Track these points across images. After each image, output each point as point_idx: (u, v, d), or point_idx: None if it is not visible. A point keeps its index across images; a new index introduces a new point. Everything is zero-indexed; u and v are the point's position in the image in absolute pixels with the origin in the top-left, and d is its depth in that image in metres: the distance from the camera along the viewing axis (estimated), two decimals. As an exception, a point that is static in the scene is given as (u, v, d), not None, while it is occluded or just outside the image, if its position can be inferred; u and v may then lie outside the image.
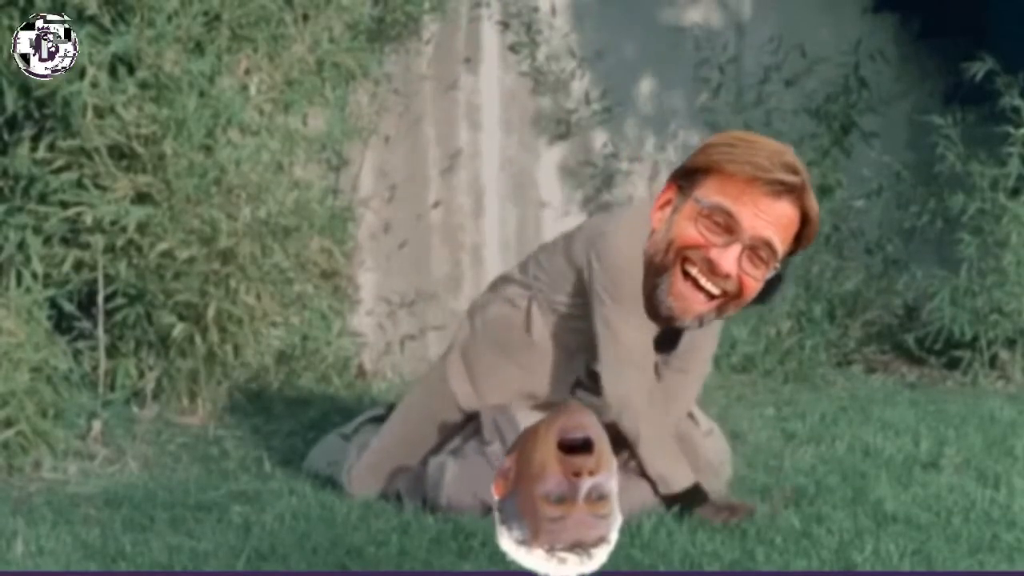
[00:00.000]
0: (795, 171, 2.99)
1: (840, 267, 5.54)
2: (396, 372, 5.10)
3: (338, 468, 3.39)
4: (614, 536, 1.73)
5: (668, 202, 3.06)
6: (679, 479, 3.11)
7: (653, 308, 3.09)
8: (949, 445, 3.82)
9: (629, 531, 2.90)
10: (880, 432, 4.00)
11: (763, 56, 5.70)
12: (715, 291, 3.03)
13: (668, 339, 3.19)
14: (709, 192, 2.99)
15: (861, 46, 5.59)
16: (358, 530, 2.95)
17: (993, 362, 5.19)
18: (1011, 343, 5.17)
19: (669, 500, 3.10)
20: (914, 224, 5.63)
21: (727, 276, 3.00)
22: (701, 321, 3.11)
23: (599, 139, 5.72)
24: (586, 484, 1.69)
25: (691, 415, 3.42)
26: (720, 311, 3.08)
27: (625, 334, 3.09)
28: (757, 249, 2.99)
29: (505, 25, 5.54)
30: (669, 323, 3.12)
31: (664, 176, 5.81)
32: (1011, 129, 5.19)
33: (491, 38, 5.52)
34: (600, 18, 5.70)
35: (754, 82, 5.72)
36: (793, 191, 2.99)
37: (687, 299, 3.05)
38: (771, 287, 3.07)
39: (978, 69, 5.17)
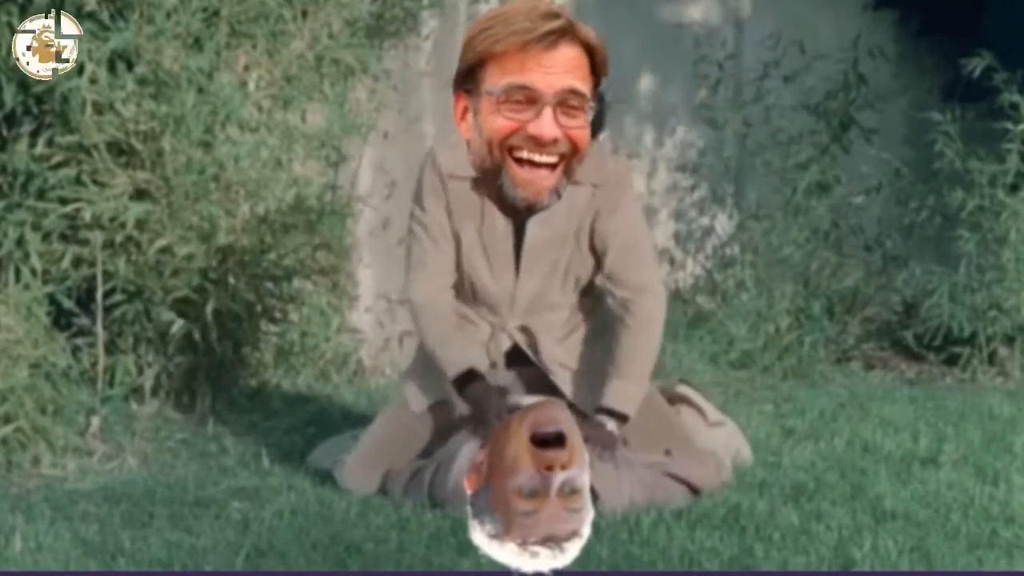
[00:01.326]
0: (556, 15, 3.04)
1: (839, 264, 5.54)
2: (395, 368, 5.09)
3: (335, 463, 3.40)
4: (586, 530, 1.73)
5: (465, 110, 3.12)
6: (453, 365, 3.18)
7: (508, 206, 3.15)
8: (948, 441, 3.83)
9: (628, 527, 2.90)
10: (879, 428, 4.00)
11: (762, 53, 5.70)
12: (552, 160, 3.08)
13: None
14: (494, 79, 3.04)
15: (860, 43, 5.59)
16: (357, 526, 2.95)
17: (992, 359, 5.19)
18: (1010, 340, 5.18)
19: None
20: (913, 221, 5.63)
21: (555, 140, 3.05)
22: (558, 193, 3.14)
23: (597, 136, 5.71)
24: (558, 478, 1.69)
25: (699, 407, 3.44)
26: (568, 174, 3.12)
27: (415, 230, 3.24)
28: (566, 101, 3.04)
29: (504, 21, 5.53)
30: (531, 211, 3.17)
31: (663, 173, 5.83)
32: (1010, 125, 5.19)
33: (490, 34, 5.51)
34: (600, 15, 5.69)
35: (753, 78, 5.72)
36: (564, 33, 3.04)
37: (532, 181, 3.10)
38: (597, 123, 3.12)
39: (977, 66, 5.17)
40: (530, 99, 3.02)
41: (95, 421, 3.83)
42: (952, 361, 5.24)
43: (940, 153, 5.33)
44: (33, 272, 3.85)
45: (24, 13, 3.88)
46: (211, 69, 4.23)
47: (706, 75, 5.80)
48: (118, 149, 4.14)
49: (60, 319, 4.08)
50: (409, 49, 5.29)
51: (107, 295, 4.17)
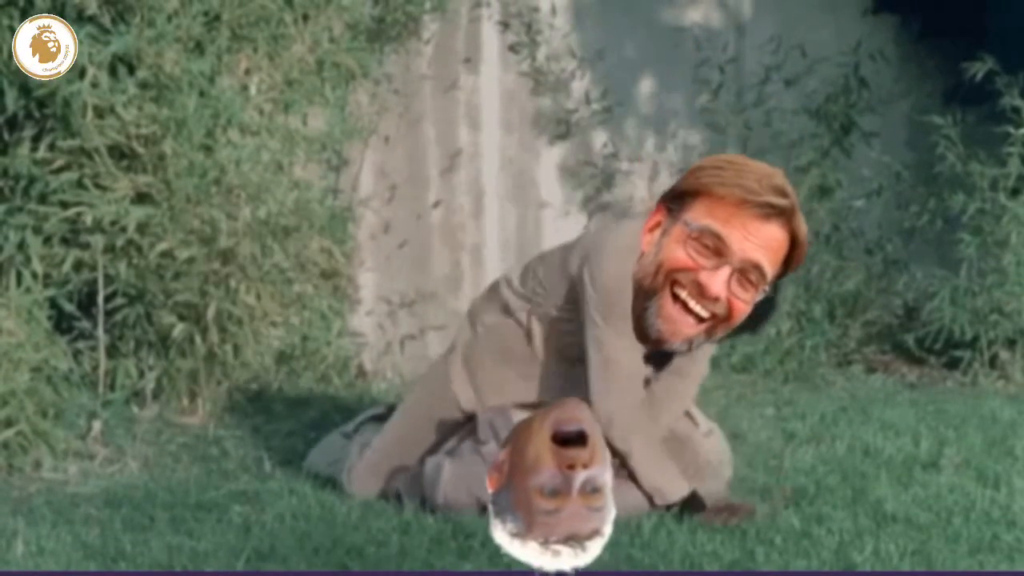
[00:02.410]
0: (784, 194, 3.01)
1: (840, 267, 5.54)
2: (396, 372, 5.10)
3: (339, 467, 3.40)
4: (608, 529, 1.73)
5: (657, 224, 3.07)
6: (674, 490, 3.11)
7: (642, 330, 3.10)
8: (949, 445, 3.82)
9: (629, 531, 2.90)
10: (880, 432, 4.00)
11: (763, 56, 5.70)
12: (704, 314, 3.04)
13: (661, 357, 3.20)
14: (698, 215, 3.00)
15: (861, 46, 5.59)
16: (358, 530, 2.95)
17: (993, 362, 5.19)
18: (1011, 343, 5.17)
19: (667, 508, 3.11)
20: (914, 224, 5.63)
21: (716, 299, 3.01)
22: (691, 345, 3.11)
23: (599, 139, 5.72)
24: (580, 477, 1.69)
25: (690, 416, 3.42)
26: (709, 334, 3.09)
27: (615, 354, 3.10)
28: (747, 272, 3.00)
29: (505, 25, 5.54)
30: (658, 346, 3.13)
31: (664, 176, 5.83)
32: (1011, 129, 5.18)
33: (491, 38, 5.52)
34: (600, 18, 5.70)
35: (754, 82, 5.72)
36: (783, 214, 3.01)
37: (676, 322, 3.06)
38: (761, 311, 3.09)
39: (978, 69, 5.17)
40: (718, 251, 2.99)
41: (96, 425, 3.83)
42: (953, 365, 5.24)
43: (941, 156, 5.33)
44: (34, 276, 3.85)
45: (25, 16, 3.89)
46: (212, 73, 4.23)
47: (707, 79, 5.79)
48: (119, 153, 4.14)
49: (61, 323, 4.08)
50: (410, 53, 5.29)
51: (108, 299, 4.18)
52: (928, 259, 5.62)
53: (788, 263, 3.07)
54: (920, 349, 5.32)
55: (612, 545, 2.77)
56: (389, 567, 2.72)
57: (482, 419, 3.18)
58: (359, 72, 4.79)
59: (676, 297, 3.04)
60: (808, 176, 5.46)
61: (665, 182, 5.91)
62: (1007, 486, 3.37)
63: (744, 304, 3.03)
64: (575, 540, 1.71)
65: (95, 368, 4.16)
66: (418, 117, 5.35)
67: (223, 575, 2.69)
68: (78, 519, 3.05)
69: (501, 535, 1.72)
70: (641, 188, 5.75)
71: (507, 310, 3.25)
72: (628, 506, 3.02)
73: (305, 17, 4.55)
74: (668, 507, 3.10)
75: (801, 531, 2.94)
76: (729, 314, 3.04)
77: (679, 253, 3.02)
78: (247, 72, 4.40)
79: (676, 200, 3.05)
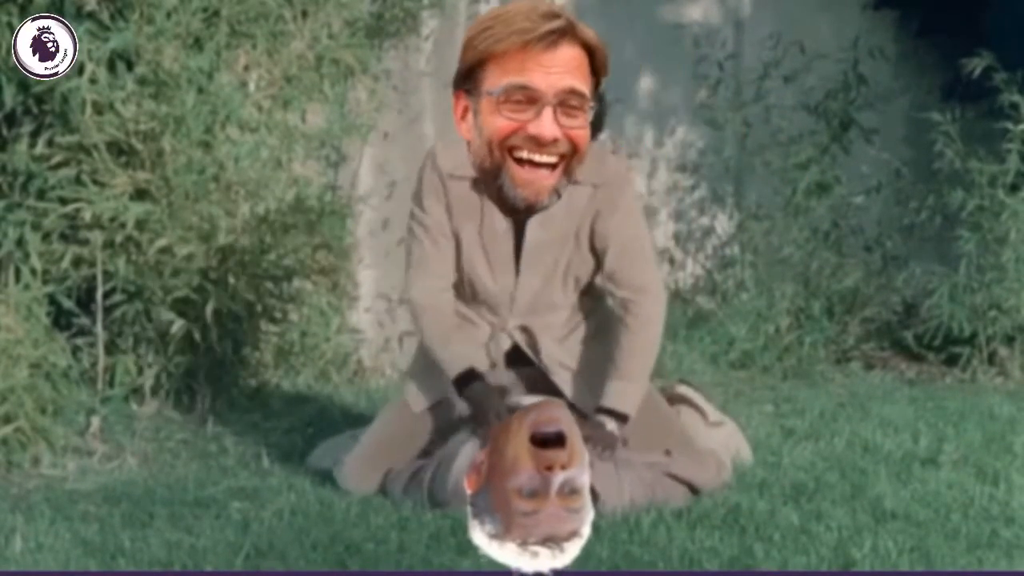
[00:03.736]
0: (556, 15, 3.04)
1: (839, 264, 5.54)
2: (395, 369, 5.10)
3: (334, 464, 3.40)
4: (586, 530, 1.73)
5: (465, 110, 3.11)
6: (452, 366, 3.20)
7: (508, 205, 3.15)
8: (948, 442, 3.83)
9: (628, 527, 2.90)
10: (879, 429, 4.00)
11: (762, 53, 5.70)
12: (552, 160, 3.08)
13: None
14: (494, 79, 3.03)
15: (860, 43, 5.59)
16: (357, 526, 2.95)
17: (992, 359, 5.19)
18: (1010, 340, 5.18)
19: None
20: (913, 221, 5.63)
21: (555, 140, 3.04)
22: (558, 193, 3.14)
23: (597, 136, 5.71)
24: (558, 478, 1.69)
25: (699, 407, 3.44)
26: (568, 173, 3.12)
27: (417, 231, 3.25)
28: (566, 101, 3.03)
29: (504, 21, 5.53)
30: (531, 211, 3.17)
31: (663, 171, 5.84)
32: (1010, 125, 5.18)
33: (490, 35, 5.51)
34: (599, 15, 5.69)
35: (753, 79, 5.72)
36: (565, 33, 3.04)
37: (532, 182, 3.10)
38: (597, 123, 3.12)
39: (977, 66, 5.17)
40: (530, 99, 3.01)
41: (95, 421, 3.83)
42: (952, 361, 5.24)
43: (940, 153, 5.33)
44: (33, 272, 3.85)
45: (24, 13, 3.89)
46: (211, 69, 4.23)
47: (706, 75, 5.79)
48: (118, 149, 4.14)
49: (60, 319, 4.08)
50: (409, 49, 5.28)
51: (107, 295, 4.18)
52: (927, 256, 5.62)
53: (596, 72, 3.09)
54: (919, 346, 5.32)
55: (611, 542, 2.79)
56: (388, 563, 2.72)
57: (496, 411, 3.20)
58: (358, 68, 4.79)
59: (519, 161, 3.08)
60: (807, 173, 5.46)
61: (664, 178, 5.91)
62: (1006, 482, 3.37)
63: (581, 130, 3.07)
64: (553, 541, 1.71)
65: (94, 364, 4.16)
66: (417, 113, 5.35)
67: (222, 573, 2.69)
68: (77, 515, 3.05)
69: (480, 536, 1.72)
70: (640, 184, 5.75)
71: None
72: (664, 499, 3.05)
73: (304, 13, 4.55)
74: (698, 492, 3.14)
75: (800, 527, 2.94)
76: (574, 147, 3.08)
77: (499, 122, 3.05)
78: (246, 68, 4.39)
79: (467, 79, 3.09)
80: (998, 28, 5.60)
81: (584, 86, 3.03)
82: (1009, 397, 4.69)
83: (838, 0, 6.06)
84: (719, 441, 3.47)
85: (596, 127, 3.11)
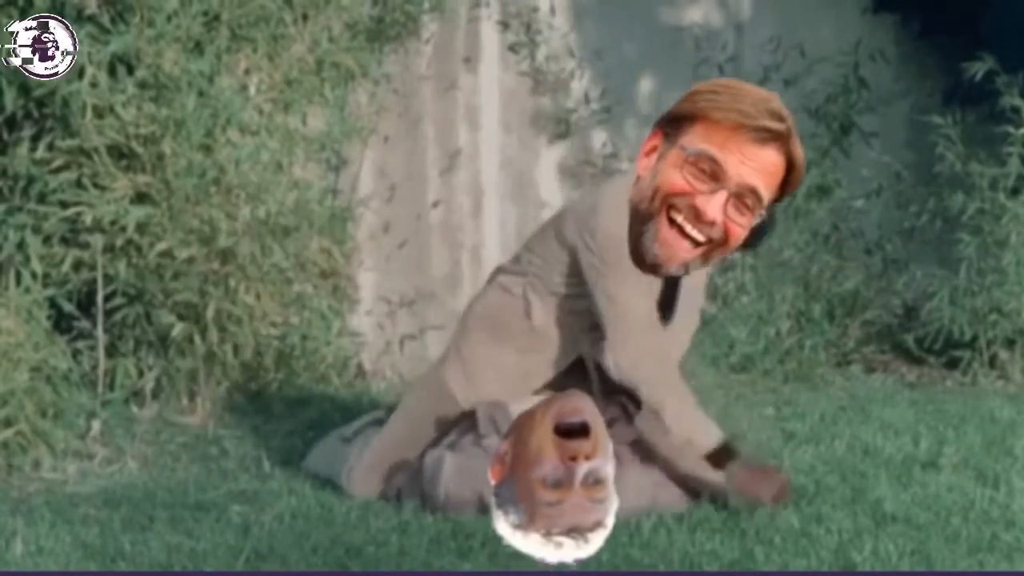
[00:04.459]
0: (781, 118, 3.01)
1: (840, 267, 5.54)
2: (395, 372, 5.10)
3: (337, 469, 3.40)
4: (611, 521, 1.73)
5: (654, 149, 3.08)
6: (707, 438, 3.14)
7: (639, 256, 3.12)
8: (948, 445, 3.82)
9: (628, 530, 2.90)
10: (879, 432, 4.00)
11: (763, 56, 5.70)
12: (700, 238, 3.05)
13: (666, 304, 3.21)
14: (694, 139, 3.01)
15: (861, 46, 5.59)
16: (357, 530, 2.95)
17: (992, 362, 5.19)
18: (1010, 343, 5.17)
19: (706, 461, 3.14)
20: (914, 224, 5.63)
21: (712, 223, 3.01)
22: (687, 268, 3.12)
23: (599, 139, 5.72)
24: (582, 468, 1.69)
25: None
26: (705, 258, 3.10)
27: (628, 301, 3.13)
28: (743, 196, 3.00)
29: (505, 25, 5.54)
30: (655, 271, 3.14)
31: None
32: (1011, 129, 5.18)
33: (491, 38, 5.52)
34: (600, 18, 5.69)
35: (754, 82, 5.69)
36: (779, 138, 3.01)
37: (672, 246, 3.07)
38: (757, 234, 3.09)
39: (978, 69, 5.16)
40: (714, 175, 2.99)
41: (96, 424, 3.83)
42: (952, 364, 5.24)
43: (941, 156, 5.33)
44: (34, 275, 3.85)
45: (25, 16, 3.88)
46: (212, 73, 4.23)
47: (707, 78, 5.78)
48: (119, 153, 4.14)
49: (61, 322, 4.08)
50: (409, 53, 5.28)
51: (108, 298, 4.17)
52: (928, 259, 5.62)
53: (784, 187, 3.07)
54: (919, 349, 5.32)
55: (612, 545, 2.78)
56: (388, 567, 2.72)
57: (482, 413, 3.19)
58: (358, 72, 4.79)
59: (672, 221, 3.05)
60: (807, 176, 5.45)
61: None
62: (1006, 485, 3.37)
63: (740, 228, 3.04)
64: (577, 532, 1.71)
65: (94, 368, 4.15)
66: (417, 117, 5.35)
67: (223, 575, 2.69)
68: (77, 519, 3.05)
69: (503, 527, 1.72)
70: (641, 188, 5.75)
71: (503, 289, 3.28)
72: (666, 503, 3.05)
73: (304, 17, 4.55)
74: (700, 496, 3.12)
75: (800, 530, 2.94)
76: (725, 238, 3.05)
77: (675, 177, 3.02)
78: (246, 72, 4.39)
79: (672, 124, 3.06)
80: (999, 31, 5.60)
81: (767, 193, 3.02)
82: (1009, 400, 4.68)
83: (839, 3, 6.06)
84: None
85: (755, 235, 3.09)
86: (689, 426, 3.14)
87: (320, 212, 4.48)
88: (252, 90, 4.38)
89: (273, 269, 4.31)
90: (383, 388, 4.78)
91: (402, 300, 5.33)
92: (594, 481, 1.70)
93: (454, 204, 5.45)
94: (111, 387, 4.15)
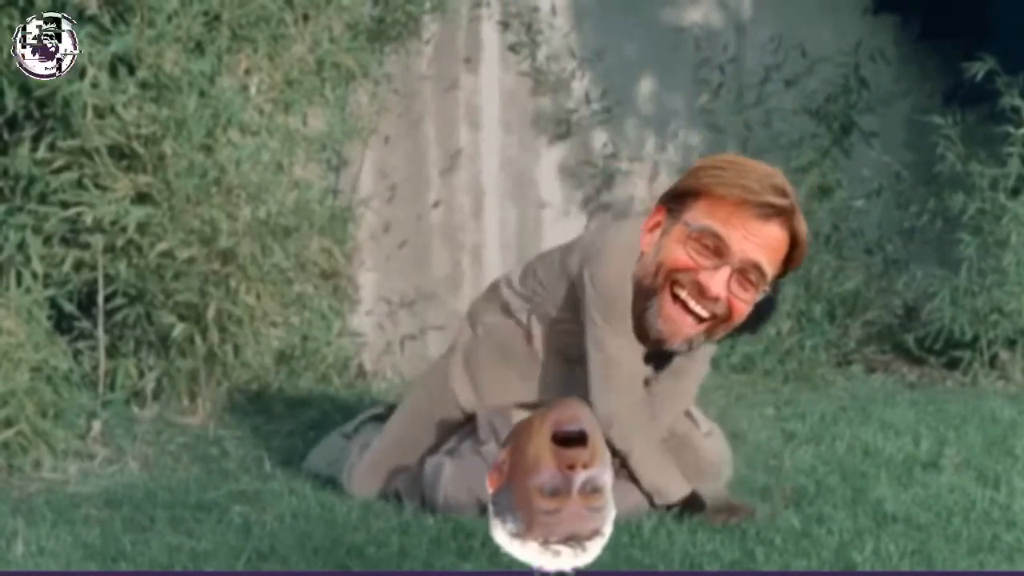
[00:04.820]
0: (784, 194, 3.01)
1: (840, 267, 5.54)
2: (396, 372, 5.10)
3: (338, 468, 3.40)
4: (608, 529, 1.73)
5: (657, 224, 3.07)
6: (674, 490, 3.12)
7: (642, 330, 3.10)
8: (949, 445, 3.82)
9: (629, 531, 2.90)
10: (880, 432, 4.00)
11: (763, 56, 5.70)
12: (704, 314, 3.04)
13: (661, 357, 3.20)
14: (698, 215, 3.00)
15: (861, 46, 5.59)
16: (358, 530, 2.95)
17: (993, 362, 5.19)
18: (1011, 343, 5.17)
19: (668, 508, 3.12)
20: (914, 224, 5.63)
21: (716, 299, 3.01)
22: (691, 345, 3.11)
23: (599, 139, 5.72)
24: (580, 477, 1.69)
25: (691, 416, 3.42)
26: (709, 334, 3.09)
27: (615, 353, 3.10)
28: (747, 272, 3.00)
29: (505, 25, 5.54)
30: (659, 346, 3.13)
31: (664, 176, 5.83)
32: (1011, 129, 5.18)
33: (491, 38, 5.52)
34: (600, 18, 5.70)
35: (754, 82, 5.72)
36: (782, 214, 3.01)
37: (676, 322, 3.06)
38: (761, 311, 3.09)
39: (978, 69, 5.17)
40: (718, 251, 2.99)
41: (96, 425, 3.83)
42: (953, 365, 5.24)
43: (941, 156, 5.33)
44: (34, 276, 3.85)
45: (25, 16, 3.89)
46: (212, 73, 4.23)
47: (707, 79, 5.80)
48: (119, 153, 4.14)
49: (61, 323, 4.08)
50: (410, 53, 5.29)
51: (108, 299, 4.18)
52: (928, 259, 5.62)
53: (788, 263, 3.07)
54: (920, 349, 5.32)
55: (612, 545, 2.77)
56: (389, 567, 2.72)
57: (482, 419, 3.19)
58: (359, 72, 4.79)
59: (676, 297, 3.04)
60: (808, 176, 5.46)
61: (665, 182, 5.90)
62: (1007, 486, 3.37)
63: (744, 304, 3.03)
64: (575, 540, 1.71)
65: (95, 368, 4.16)
66: (418, 117, 5.35)
67: (223, 575, 2.69)
68: (78, 519, 3.05)
69: (501, 535, 1.72)
70: (641, 188, 5.75)
71: (507, 310, 3.25)
72: (629, 506, 3.02)
73: (305, 17, 4.55)
74: (668, 507, 3.10)
75: (801, 531, 2.94)
76: (729, 314, 3.04)
77: (679, 253, 3.02)
78: (247, 72, 4.39)
79: (676, 200, 3.05)
80: (999, 31, 5.60)
81: (770, 268, 3.02)
82: (1010, 400, 4.69)
83: (839, 3, 6.06)
84: (716, 451, 3.46)
85: (759, 312, 3.08)
86: (656, 477, 3.13)
87: (321, 212, 4.48)
88: (253, 90, 4.38)
89: (274, 269, 4.31)
90: (384, 388, 4.78)
91: (403, 300, 5.34)
92: (592, 489, 1.70)
93: (455, 204, 5.46)
94: (112, 387, 4.15)
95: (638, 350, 3.13)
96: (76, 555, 2.78)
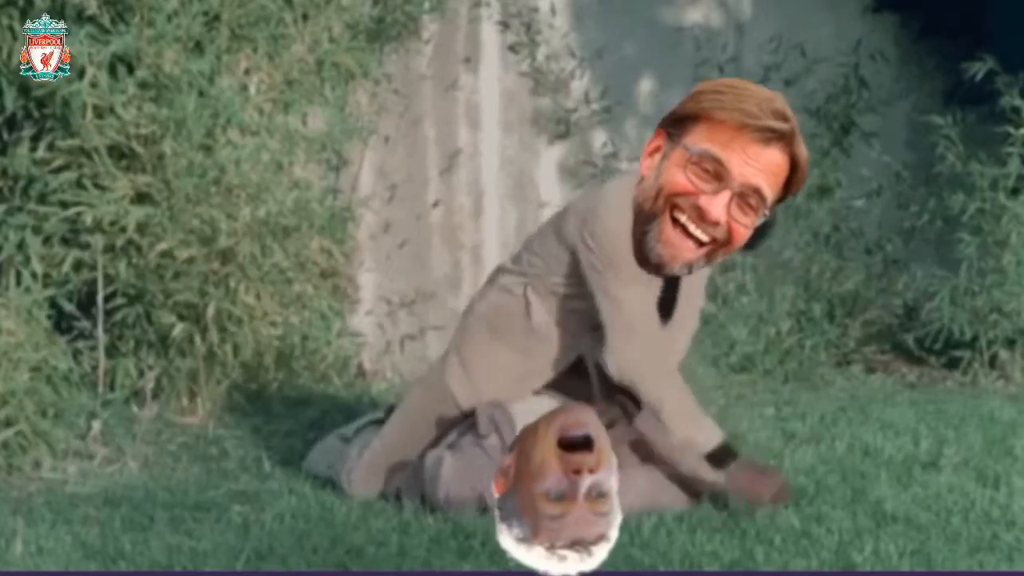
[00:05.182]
0: (785, 118, 2.99)
1: (840, 267, 5.54)
2: (396, 372, 5.10)
3: (337, 470, 3.40)
4: (614, 534, 1.73)
5: (657, 149, 3.06)
6: (707, 438, 3.12)
7: (642, 255, 3.10)
8: (949, 445, 3.82)
9: (628, 531, 2.90)
10: (880, 432, 4.00)
11: (763, 56, 5.70)
12: (704, 238, 3.04)
13: (666, 305, 3.19)
14: (698, 139, 2.99)
15: (861, 46, 5.59)
16: (358, 530, 2.95)
17: (993, 362, 5.19)
18: (1011, 343, 5.17)
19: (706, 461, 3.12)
20: (914, 224, 5.63)
21: (716, 223, 3.01)
22: (690, 268, 3.11)
23: (599, 139, 5.72)
24: (586, 482, 1.69)
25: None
26: (709, 258, 3.09)
27: (628, 301, 3.10)
28: (746, 196, 2.99)
29: (505, 25, 5.54)
30: (658, 271, 3.12)
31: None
32: (1011, 129, 5.18)
33: (491, 38, 5.52)
34: (600, 18, 5.70)
35: (754, 82, 5.71)
36: (783, 138, 2.99)
37: (676, 246, 3.06)
38: (760, 234, 3.08)
39: (978, 69, 5.17)
40: (718, 175, 2.98)
41: (96, 424, 3.83)
42: (953, 364, 5.24)
43: (941, 156, 5.33)
44: (34, 276, 3.85)
45: (25, 16, 3.89)
46: (212, 73, 4.23)
47: (707, 78, 5.79)
48: (119, 153, 4.14)
49: (61, 323, 4.08)
50: (410, 53, 5.29)
51: (108, 298, 4.18)
52: (928, 259, 5.62)
53: (788, 187, 3.06)
54: (920, 349, 5.32)
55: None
56: (388, 567, 2.72)
57: (482, 413, 3.18)
58: (359, 72, 4.79)
59: (676, 221, 3.04)
60: (808, 176, 5.45)
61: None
62: (1007, 486, 3.37)
63: (744, 229, 3.02)
64: (581, 545, 1.71)
65: (95, 368, 4.16)
66: (418, 117, 5.35)
67: (223, 575, 2.69)
68: (77, 519, 3.05)
69: (507, 540, 1.72)
70: (641, 188, 5.75)
71: (504, 290, 3.25)
72: (666, 502, 3.04)
73: (305, 17, 4.55)
74: (700, 496, 3.11)
75: (801, 531, 2.94)
76: (729, 238, 3.04)
77: (679, 177, 3.01)
78: (247, 72, 4.40)
79: (676, 124, 3.04)
80: (999, 31, 5.60)
81: (770, 192, 3.01)
82: (1010, 400, 4.69)
83: (839, 3, 6.06)
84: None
85: (757, 237, 3.08)
86: (689, 426, 3.13)
87: (320, 212, 4.48)
88: (252, 90, 4.38)
89: (273, 269, 4.31)
90: (383, 388, 4.78)
91: (402, 300, 5.34)
92: (598, 494, 1.70)
93: (454, 204, 5.46)
94: (111, 387, 4.15)
95: (650, 295, 3.13)
96: (75, 555, 2.78)
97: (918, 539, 2.89)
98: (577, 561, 1.71)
